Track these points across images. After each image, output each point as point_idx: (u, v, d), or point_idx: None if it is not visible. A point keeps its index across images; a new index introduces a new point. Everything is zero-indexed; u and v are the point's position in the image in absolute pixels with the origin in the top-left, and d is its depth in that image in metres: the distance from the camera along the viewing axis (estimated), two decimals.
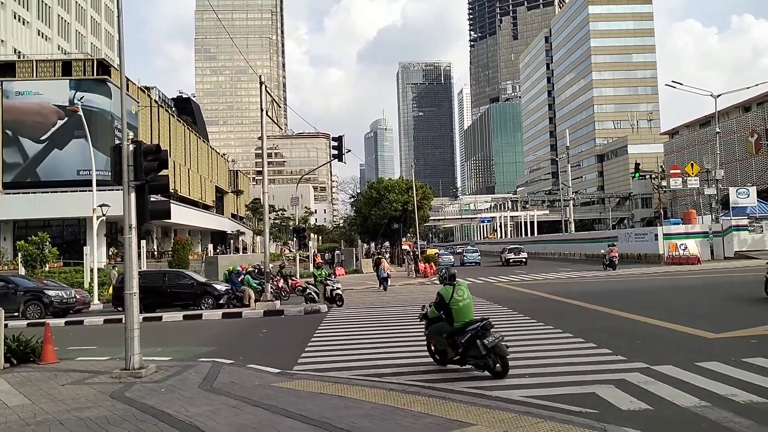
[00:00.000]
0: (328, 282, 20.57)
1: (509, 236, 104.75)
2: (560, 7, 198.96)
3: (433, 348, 9.30)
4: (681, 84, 39.74)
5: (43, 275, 28.06)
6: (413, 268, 36.49)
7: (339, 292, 20.34)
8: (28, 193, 44.17)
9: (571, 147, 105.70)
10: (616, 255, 33.68)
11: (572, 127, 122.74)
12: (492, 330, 8.47)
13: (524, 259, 47.26)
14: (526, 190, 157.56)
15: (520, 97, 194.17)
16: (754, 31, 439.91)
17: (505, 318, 14.71)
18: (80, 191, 40.28)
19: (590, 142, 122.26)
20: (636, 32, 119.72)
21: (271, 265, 23.80)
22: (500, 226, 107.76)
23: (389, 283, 28.10)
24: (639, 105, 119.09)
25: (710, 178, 40.96)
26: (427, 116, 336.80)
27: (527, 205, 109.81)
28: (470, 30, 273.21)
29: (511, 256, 47.80)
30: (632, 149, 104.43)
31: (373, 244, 79.20)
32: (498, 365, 8.34)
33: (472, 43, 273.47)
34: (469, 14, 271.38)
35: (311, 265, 47.81)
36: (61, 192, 43.17)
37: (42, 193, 43.73)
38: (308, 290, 21.07)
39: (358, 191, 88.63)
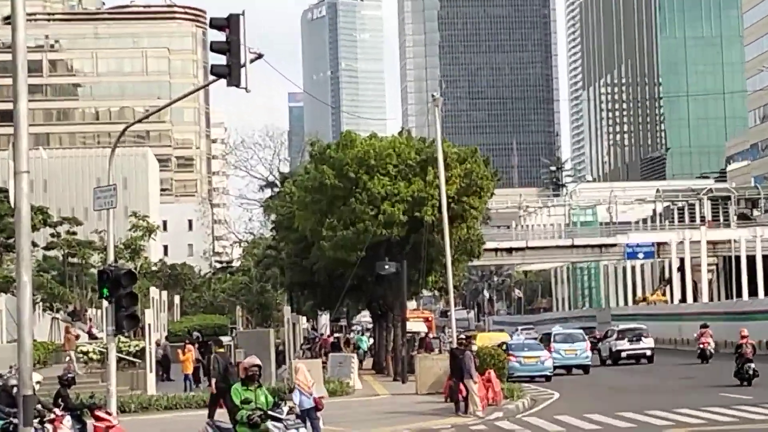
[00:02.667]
0: (271, 427, 19.62)
1: (703, 295, 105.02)
2: None
3: None
4: None
5: None
6: (467, 389, 36.00)
7: None
8: None
9: None
10: None
11: None
12: None
13: (648, 352, 58.86)
14: (752, 168, 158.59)
15: None
16: None
17: None
18: None
19: None
20: None
21: (38, 378, 23.56)
22: (681, 268, 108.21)
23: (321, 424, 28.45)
24: None
25: None
26: None
27: (755, 212, 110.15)
28: None
29: (624, 345, 58.83)
30: None
31: (325, 317, 79.90)
32: None
33: None
34: None
35: (151, 378, 47.73)
36: None
37: None
38: None
39: (283, 171, 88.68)
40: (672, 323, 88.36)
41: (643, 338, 58.70)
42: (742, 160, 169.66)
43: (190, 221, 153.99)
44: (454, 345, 41.85)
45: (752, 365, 38.34)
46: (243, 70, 26.14)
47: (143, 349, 49.05)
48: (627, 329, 60.85)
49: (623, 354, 57.29)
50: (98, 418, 26.68)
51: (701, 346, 52.09)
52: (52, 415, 24.49)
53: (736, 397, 37.56)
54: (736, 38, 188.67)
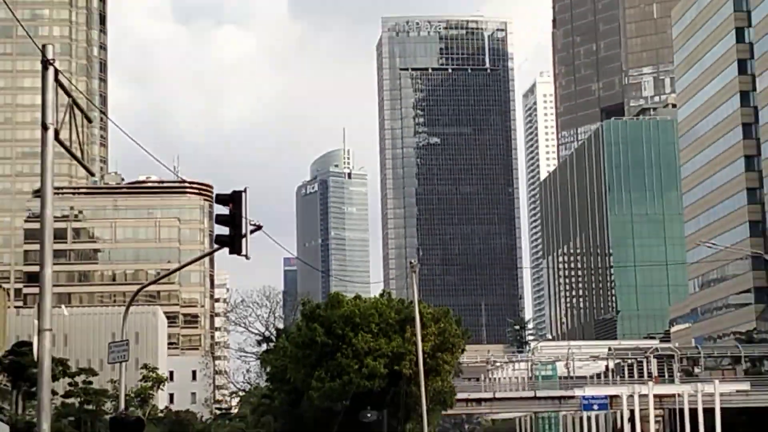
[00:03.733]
0: None
1: None
2: None
3: None
4: None
5: None
6: None
7: None
8: None
9: None
10: None
11: None
12: None
13: None
14: (691, 330, 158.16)
15: (673, 105, 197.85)
16: None
17: None
18: None
19: None
20: None
21: None
22: (632, 419, 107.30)
23: None
24: None
25: None
26: (449, 143, 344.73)
27: (696, 368, 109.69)
28: None
29: None
30: None
31: None
32: None
33: None
34: None
35: None
36: None
37: None
38: None
39: (278, 327, 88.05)
40: None
41: None
42: (683, 322, 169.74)
43: (194, 372, 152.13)
44: None
45: None
46: (244, 240, 26.17)
47: None
48: None
49: None
50: None
51: None
52: None
53: None
54: (676, 216, 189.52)
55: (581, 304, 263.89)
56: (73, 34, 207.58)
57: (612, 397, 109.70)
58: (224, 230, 26.29)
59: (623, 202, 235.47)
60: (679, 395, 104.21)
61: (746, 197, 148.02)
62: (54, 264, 21.91)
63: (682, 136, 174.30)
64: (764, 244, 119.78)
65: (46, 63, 21.54)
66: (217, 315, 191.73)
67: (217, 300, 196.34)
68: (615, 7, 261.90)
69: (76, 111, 22.96)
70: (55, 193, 21.70)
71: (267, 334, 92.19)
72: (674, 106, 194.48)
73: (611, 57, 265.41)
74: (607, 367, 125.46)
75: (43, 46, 22.29)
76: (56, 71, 21.52)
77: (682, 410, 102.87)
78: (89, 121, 27.43)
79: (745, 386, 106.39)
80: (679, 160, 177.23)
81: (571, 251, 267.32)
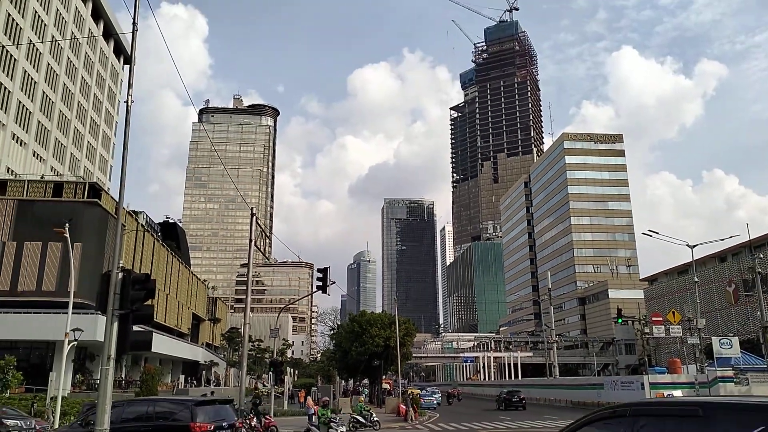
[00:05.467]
0: (332, 425, 19.05)
1: (492, 378, 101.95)
2: (538, 155, 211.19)
3: None
4: (657, 233, 40.55)
5: (3, 402, 26.38)
6: (409, 412, 34.72)
7: None
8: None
9: (553, 289, 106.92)
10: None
11: (553, 269, 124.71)
12: None
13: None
14: (509, 329, 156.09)
15: (501, 236, 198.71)
16: (725, 186, 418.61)
17: None
18: (54, 313, 39.07)
19: (571, 285, 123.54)
20: (611, 182, 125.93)
21: (246, 401, 22.66)
22: (483, 367, 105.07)
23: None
24: (617, 251, 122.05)
25: (692, 326, 40.95)
26: (410, 251, 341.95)
27: (510, 346, 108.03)
28: (453, 172, 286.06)
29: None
30: (613, 293, 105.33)
31: (351, 381, 76.10)
32: None
33: (454, 184, 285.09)
34: (452, 158, 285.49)
35: (286, 402, 45.57)
36: (34, 313, 41.71)
37: (14, 313, 42.07)
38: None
39: (339, 323, 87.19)
40: (476, 388, 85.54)
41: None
42: (505, 326, 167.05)
43: (302, 341, 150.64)
44: (400, 393, 40.16)
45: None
46: (328, 288, 26.23)
47: (283, 391, 47.05)
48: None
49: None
50: (265, 419, 25.42)
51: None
52: (249, 417, 23.37)
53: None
54: (502, 282, 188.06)
55: (463, 318, 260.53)
56: (261, 200, 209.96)
57: (476, 357, 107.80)
58: (318, 283, 26.46)
59: (481, 275, 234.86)
60: (503, 357, 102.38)
61: (530, 276, 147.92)
62: (251, 297, 21.94)
63: (505, 250, 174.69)
64: (538, 297, 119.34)
65: (252, 213, 21.91)
66: (313, 318, 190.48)
67: (314, 311, 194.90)
68: (476, 197, 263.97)
69: (262, 233, 23.31)
70: (253, 264, 21.90)
71: (333, 326, 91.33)
72: (501, 237, 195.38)
73: (475, 216, 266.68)
74: (474, 345, 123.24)
75: (252, 208, 22.75)
76: (256, 218, 21.90)
77: (504, 364, 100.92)
78: (266, 236, 28.29)
79: (530, 354, 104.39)
80: (504, 259, 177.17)
81: (459, 295, 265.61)
